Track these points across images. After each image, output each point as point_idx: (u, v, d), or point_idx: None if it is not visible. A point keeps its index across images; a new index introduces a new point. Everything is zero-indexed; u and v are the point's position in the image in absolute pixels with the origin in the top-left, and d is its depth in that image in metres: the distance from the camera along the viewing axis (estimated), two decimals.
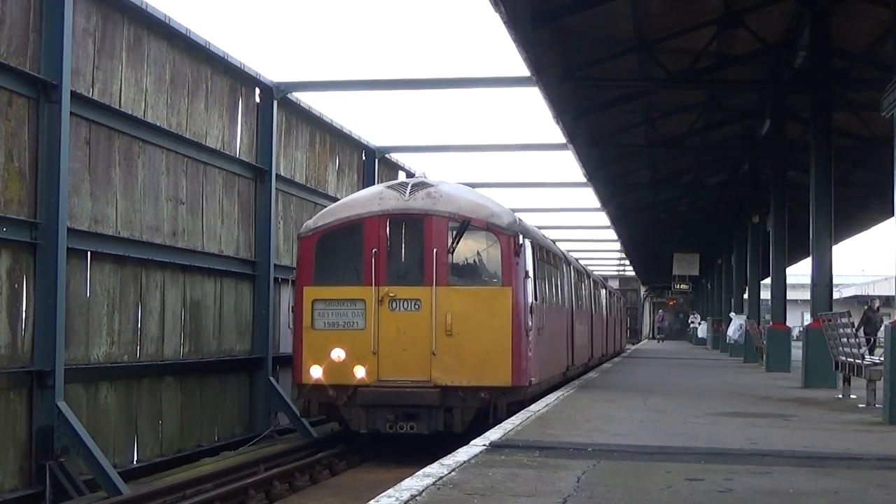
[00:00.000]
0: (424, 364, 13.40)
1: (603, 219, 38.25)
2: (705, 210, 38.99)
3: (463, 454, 8.33)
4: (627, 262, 62.93)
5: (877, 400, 13.00)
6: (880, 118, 13.24)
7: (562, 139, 22.23)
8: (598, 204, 33.46)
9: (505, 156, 31.86)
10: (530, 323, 13.84)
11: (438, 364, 13.36)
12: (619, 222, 39.89)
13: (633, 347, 47.32)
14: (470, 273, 14.05)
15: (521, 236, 13.78)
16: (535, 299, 14.63)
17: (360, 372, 13.45)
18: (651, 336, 75.93)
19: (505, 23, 13.84)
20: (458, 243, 13.61)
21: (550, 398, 14.36)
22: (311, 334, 13.78)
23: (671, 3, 17.46)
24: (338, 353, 13.55)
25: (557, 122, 20.24)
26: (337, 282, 13.94)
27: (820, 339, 16.47)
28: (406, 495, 6.39)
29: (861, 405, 13.84)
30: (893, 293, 70.16)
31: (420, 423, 13.17)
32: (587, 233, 46.74)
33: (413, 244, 13.86)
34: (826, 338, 15.90)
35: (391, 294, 13.57)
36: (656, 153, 28.77)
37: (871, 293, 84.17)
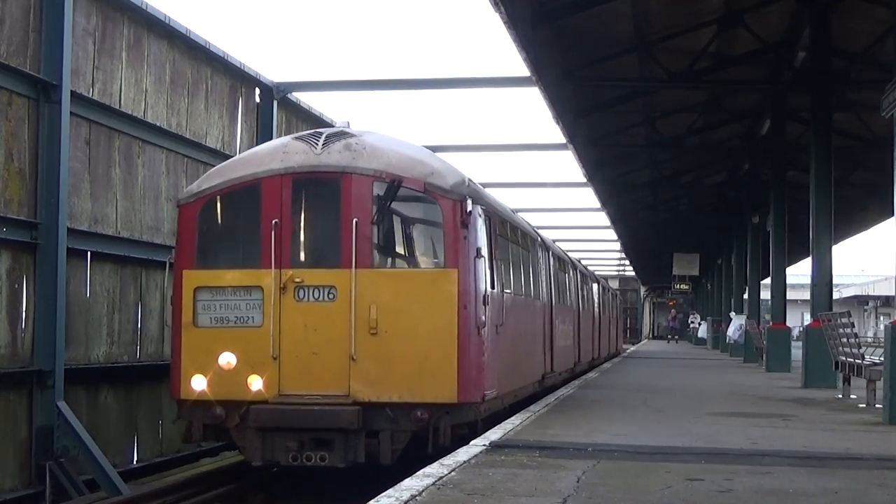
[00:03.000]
0: (341, 373, 10.10)
1: (603, 219, 38.29)
2: (705, 210, 39.01)
3: (463, 454, 8.34)
4: (627, 262, 62.96)
5: (877, 400, 13.00)
6: (880, 118, 13.24)
7: (562, 139, 22.24)
8: (598, 204, 33.49)
9: (505, 156, 31.97)
10: (484, 317, 10.52)
11: (359, 373, 10.07)
12: (619, 222, 39.91)
13: (633, 348, 47.25)
14: (402, 251, 10.95)
15: (470, 202, 10.37)
16: (493, 287, 11.27)
17: (256, 383, 10.21)
18: (653, 336, 75.91)
19: (505, 23, 13.85)
20: (386, 211, 10.34)
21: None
22: (192, 333, 10.47)
23: (671, 3, 17.46)
24: (227, 359, 10.29)
25: (557, 122, 20.24)
26: (226, 264, 10.73)
27: (820, 339, 16.47)
28: (406, 495, 6.39)
29: (861, 405, 13.84)
30: (893, 293, 70.31)
31: (334, 452, 9.89)
32: (587, 233, 46.79)
33: (326, 213, 10.58)
34: (826, 338, 15.90)
35: (297, 279, 10.30)
36: (656, 153, 28.78)
37: (871, 293, 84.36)
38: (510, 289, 12.74)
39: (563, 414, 12.18)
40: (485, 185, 14.45)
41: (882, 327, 52.34)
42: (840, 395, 15.42)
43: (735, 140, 28.01)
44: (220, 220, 10.96)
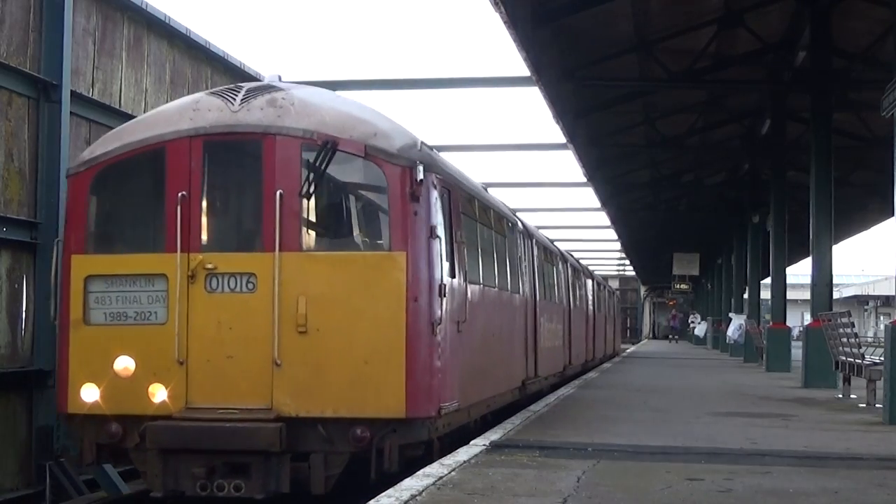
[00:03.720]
0: (262, 381, 8.22)
1: (603, 219, 38.30)
2: (705, 210, 39.03)
3: (463, 454, 8.34)
4: (627, 262, 62.97)
5: (877, 400, 13.00)
6: (880, 118, 13.25)
7: (562, 139, 22.24)
8: (598, 204, 33.49)
9: (505, 156, 31.93)
10: (440, 312, 8.60)
11: (285, 381, 8.20)
12: (619, 222, 39.93)
13: (633, 349, 47.26)
14: (338, 230, 9.06)
15: (422, 169, 8.39)
16: (454, 276, 9.34)
17: (159, 394, 8.37)
18: (653, 336, 75.93)
19: (505, 23, 13.85)
20: (318, 181, 8.40)
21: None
22: (82, 333, 8.65)
23: (671, 3, 17.47)
24: (124, 364, 8.48)
25: (557, 122, 20.24)
26: (124, 247, 9.04)
27: (820, 339, 16.47)
28: (406, 495, 6.39)
29: (861, 405, 13.84)
30: (893, 293, 70.31)
31: (251, 480, 8.04)
32: (587, 233, 46.79)
33: (245, 183, 8.88)
34: (826, 338, 15.90)
35: (208, 266, 8.41)
36: (656, 153, 28.80)
37: (871, 293, 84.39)
38: (479, 280, 10.77)
39: (563, 414, 12.18)
40: (485, 186, 13.93)
41: (882, 327, 52.35)
42: (840, 395, 15.42)
43: (735, 140, 28.03)
44: (116, 194, 9.10)
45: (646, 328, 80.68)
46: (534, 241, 16.07)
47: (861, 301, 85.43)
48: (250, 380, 8.30)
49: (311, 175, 8.35)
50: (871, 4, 16.92)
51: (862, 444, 9.57)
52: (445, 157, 12.41)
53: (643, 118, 24.77)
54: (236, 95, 8.81)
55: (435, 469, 7.51)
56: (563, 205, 38.17)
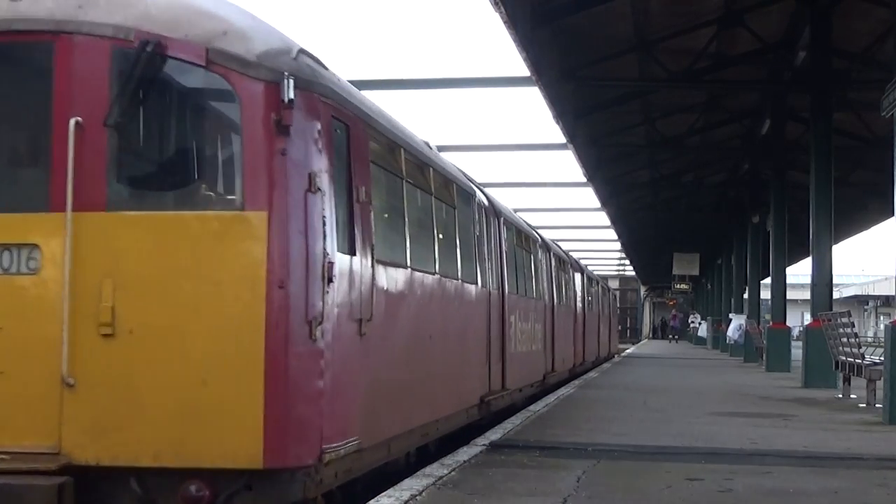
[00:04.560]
0: (44, 411, 5.52)
1: (603, 219, 38.32)
2: (705, 210, 39.05)
3: (463, 454, 8.33)
4: (627, 262, 62.99)
5: (877, 400, 13.00)
6: (880, 118, 13.24)
7: (562, 139, 22.24)
8: (598, 204, 33.50)
9: (505, 156, 31.94)
10: (324, 305, 5.88)
11: (80, 410, 5.51)
12: (619, 222, 39.93)
13: (632, 349, 47.24)
14: (165, 179, 6.00)
15: (291, 84, 5.64)
16: (354, 251, 6.46)
17: None
18: (653, 336, 75.95)
19: (505, 23, 13.85)
20: (135, 102, 5.72)
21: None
22: None
23: (671, 3, 17.47)
24: None
25: (557, 122, 20.25)
26: None
27: (820, 339, 16.47)
28: (406, 495, 6.39)
29: (861, 405, 13.84)
30: (893, 293, 70.33)
31: None
32: (587, 233, 46.81)
33: (24, 107, 6.02)
34: (826, 338, 15.90)
35: None
36: (656, 153, 28.81)
37: (871, 293, 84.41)
38: (404, 261, 7.88)
39: (562, 414, 12.18)
40: (485, 185, 13.07)
41: (882, 327, 52.34)
42: (840, 395, 15.42)
43: (735, 140, 28.03)
44: None
45: (646, 328, 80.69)
46: (501, 220, 12.75)
47: (861, 301, 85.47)
48: (26, 408, 5.51)
49: (125, 94, 5.63)
50: (871, 4, 16.92)
51: (862, 444, 9.57)
52: (445, 156, 11.43)
53: (643, 118, 24.78)
54: None
55: (435, 469, 7.51)
56: (563, 205, 38.21)
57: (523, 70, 16.45)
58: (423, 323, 8.43)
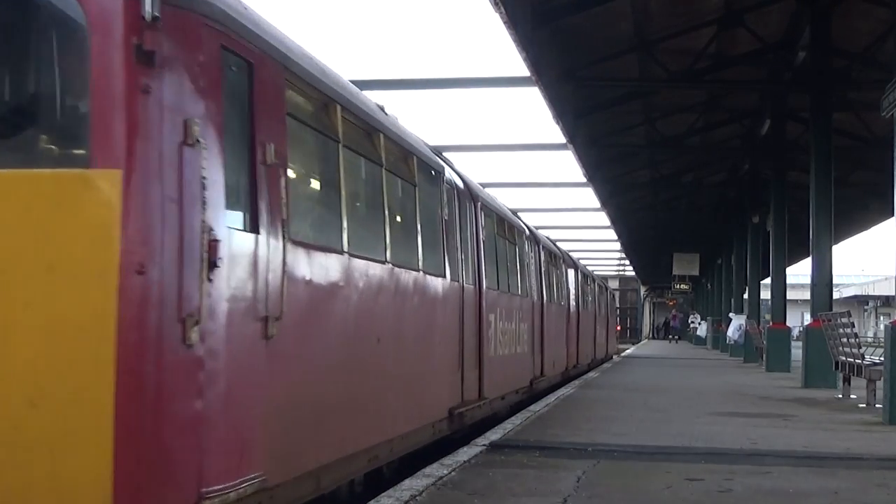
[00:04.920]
0: None
1: (603, 219, 38.29)
2: (705, 210, 39.04)
3: (463, 454, 8.33)
4: (627, 262, 62.99)
5: (877, 400, 13.00)
6: (880, 118, 13.24)
7: (562, 139, 22.23)
8: (598, 204, 33.49)
9: (505, 156, 31.84)
10: (200, 297, 4.46)
11: None
12: (619, 222, 39.92)
13: (631, 349, 47.24)
14: None
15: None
16: (258, 228, 5.14)
17: None
18: (653, 336, 75.95)
19: (505, 23, 13.84)
20: None
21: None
22: None
23: (671, 3, 17.47)
24: None
25: (557, 122, 20.24)
26: None
27: (820, 339, 16.47)
28: (406, 495, 6.38)
29: (861, 405, 13.84)
30: (893, 293, 70.32)
31: None
32: (587, 233, 46.79)
33: None
34: (826, 338, 15.90)
35: None
36: (656, 153, 28.80)
37: (871, 293, 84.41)
38: (339, 246, 6.49)
39: (562, 414, 12.17)
40: (485, 185, 13.28)
41: (882, 327, 52.34)
42: (840, 395, 15.42)
43: (735, 140, 28.03)
44: None
45: (646, 328, 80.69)
46: (479, 206, 11.31)
47: (861, 301, 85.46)
48: None
49: None
50: (871, 4, 16.92)
51: (862, 444, 9.56)
52: (446, 156, 10.92)
53: (643, 118, 24.77)
54: None
55: (435, 469, 7.50)
56: (563, 205, 38.13)
57: (523, 70, 16.44)
58: (366, 322, 6.95)
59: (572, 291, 21.30)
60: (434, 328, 9.00)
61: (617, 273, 73.73)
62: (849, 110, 21.73)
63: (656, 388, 17.38)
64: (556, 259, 19.20)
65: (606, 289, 34.53)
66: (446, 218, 9.70)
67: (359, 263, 6.76)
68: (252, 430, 4.95)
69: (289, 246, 5.41)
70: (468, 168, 12.83)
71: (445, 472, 7.37)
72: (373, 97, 8.35)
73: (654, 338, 74.43)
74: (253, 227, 5.07)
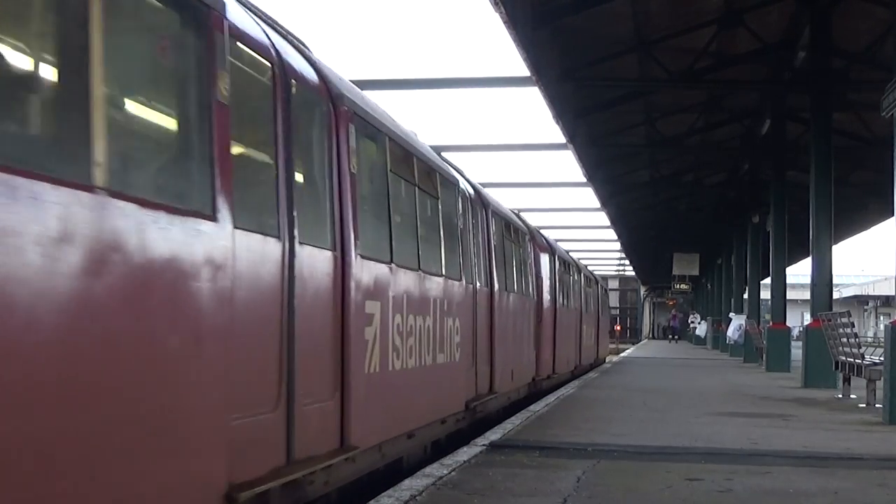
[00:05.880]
0: None
1: (603, 219, 38.30)
2: (705, 210, 39.03)
3: (463, 454, 8.33)
4: (627, 262, 63.00)
5: (877, 400, 13.00)
6: (880, 118, 13.24)
7: (562, 139, 22.24)
8: (598, 204, 33.49)
9: (505, 156, 31.81)
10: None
11: None
12: (619, 222, 39.93)
13: (631, 350, 47.23)
14: None
15: None
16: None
17: None
18: (653, 336, 75.95)
19: (505, 23, 13.84)
20: None
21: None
22: None
23: (671, 3, 17.47)
24: None
25: (557, 122, 20.24)
26: None
27: (820, 339, 16.48)
28: (406, 495, 6.39)
29: (861, 405, 13.84)
30: (893, 293, 70.35)
31: None
32: (587, 233, 46.79)
33: None
34: (826, 338, 15.91)
35: None
36: (656, 153, 28.81)
37: (871, 293, 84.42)
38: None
39: (562, 414, 12.17)
40: (485, 185, 13.37)
41: (882, 327, 52.36)
42: (840, 395, 15.42)
43: (735, 140, 28.03)
44: None
45: (645, 328, 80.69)
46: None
47: (861, 301, 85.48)
48: None
49: None
50: (871, 4, 16.92)
51: (862, 444, 9.56)
52: (446, 156, 11.38)
53: (643, 118, 24.77)
54: None
55: (435, 469, 7.50)
56: (563, 205, 38.11)
57: (523, 70, 16.45)
58: (172, 328, 4.51)
59: (546, 280, 17.39)
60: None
61: (617, 273, 73.76)
62: (849, 110, 21.73)
63: (656, 388, 17.38)
64: (539, 246, 16.35)
65: (596, 281, 30.12)
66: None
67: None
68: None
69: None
70: (468, 168, 12.92)
71: (445, 471, 7.37)
72: (373, 97, 8.41)
73: (653, 337, 74.43)
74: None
